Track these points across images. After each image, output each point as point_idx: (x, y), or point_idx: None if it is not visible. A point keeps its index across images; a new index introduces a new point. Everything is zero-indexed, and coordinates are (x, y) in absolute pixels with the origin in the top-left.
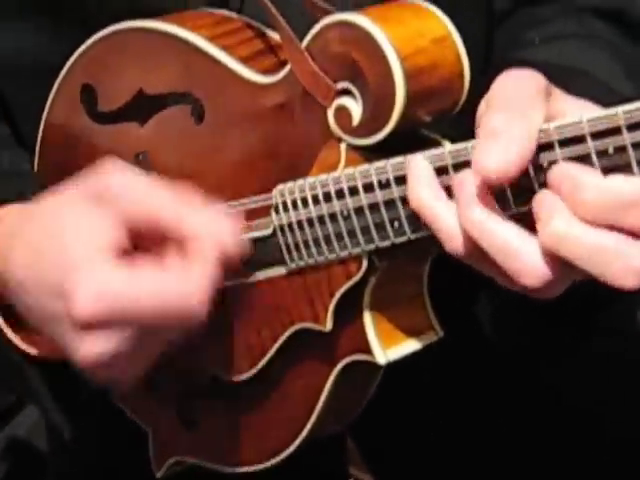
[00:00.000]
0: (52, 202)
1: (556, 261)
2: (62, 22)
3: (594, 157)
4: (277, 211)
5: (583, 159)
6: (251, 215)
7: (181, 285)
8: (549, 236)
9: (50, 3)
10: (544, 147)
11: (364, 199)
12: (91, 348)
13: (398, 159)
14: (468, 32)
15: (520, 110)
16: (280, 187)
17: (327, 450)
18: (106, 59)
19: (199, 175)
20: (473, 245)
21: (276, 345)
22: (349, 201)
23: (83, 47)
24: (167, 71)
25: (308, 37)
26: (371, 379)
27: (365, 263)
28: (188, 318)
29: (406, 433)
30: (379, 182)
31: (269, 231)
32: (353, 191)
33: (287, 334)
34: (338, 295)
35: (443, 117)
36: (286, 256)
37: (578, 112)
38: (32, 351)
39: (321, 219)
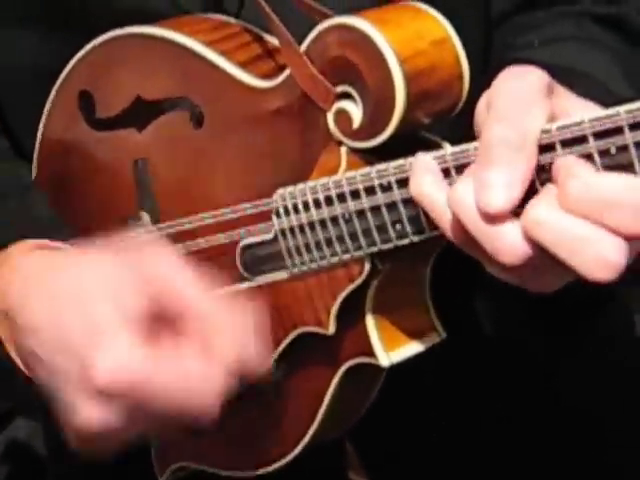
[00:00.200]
0: (81, 257)
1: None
2: (59, 29)
3: (596, 157)
4: (278, 215)
5: (585, 159)
6: (252, 219)
7: (199, 380)
8: (529, 220)
9: (47, 10)
10: (546, 148)
11: (366, 202)
12: (96, 415)
13: (399, 162)
14: (467, 34)
15: (521, 117)
16: (281, 191)
17: (326, 454)
18: (104, 65)
19: (198, 180)
20: (460, 226)
21: (279, 349)
22: (351, 204)
23: (80, 54)
24: (165, 77)
25: (307, 41)
26: (374, 382)
27: (367, 266)
28: (196, 414)
29: (405, 437)
30: (380, 185)
31: (270, 235)
32: (355, 194)
33: (290, 338)
34: (340, 298)
35: (443, 119)
36: (288, 260)
37: (581, 111)
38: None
39: (323, 222)
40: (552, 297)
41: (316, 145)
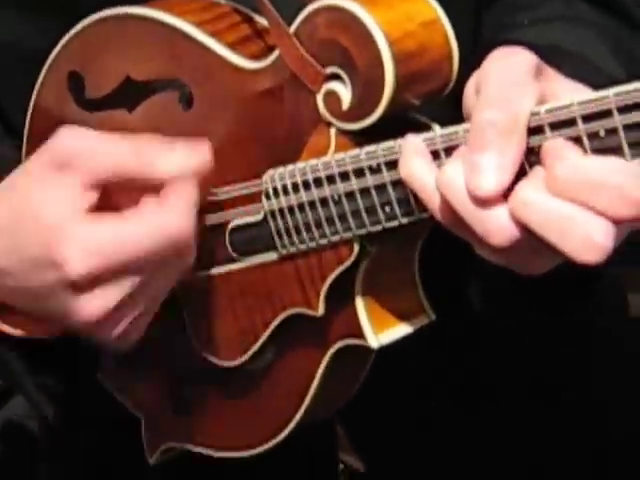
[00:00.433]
0: (17, 180)
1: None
2: (48, 9)
3: (585, 140)
4: (268, 196)
5: (574, 142)
6: (241, 201)
7: (161, 217)
8: (517, 202)
9: None
10: (535, 130)
11: (355, 184)
12: (92, 306)
13: (389, 143)
14: (456, 15)
15: (510, 100)
16: (270, 172)
17: (317, 436)
18: (93, 46)
19: None
20: (449, 208)
21: (268, 330)
22: (340, 186)
23: (70, 34)
24: (154, 57)
25: (296, 22)
26: (363, 363)
27: (356, 248)
28: (177, 247)
29: (395, 419)
30: (369, 167)
31: (260, 217)
32: (344, 176)
33: (279, 319)
34: (330, 280)
35: (433, 100)
36: (277, 241)
37: (570, 93)
38: (17, 332)
39: (312, 204)
40: (542, 278)
41: (305, 127)
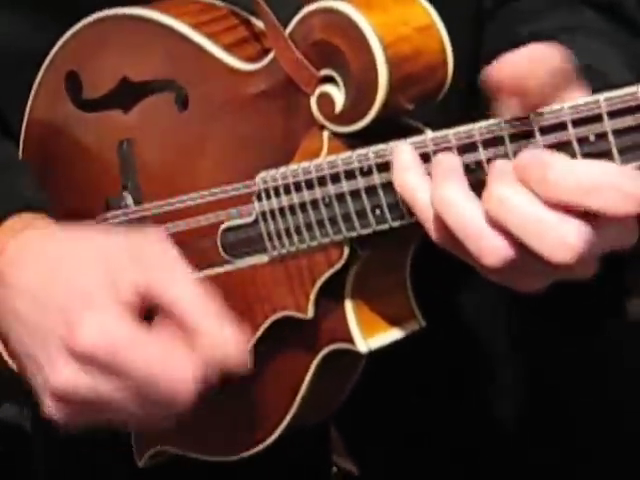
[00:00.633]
0: (79, 231)
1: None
2: (45, 9)
3: (575, 144)
4: (260, 198)
5: (564, 146)
6: (234, 202)
7: (178, 361)
8: (493, 202)
9: None
10: (526, 134)
11: (346, 186)
12: (69, 378)
13: (380, 146)
14: (456, 23)
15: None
16: (263, 174)
17: (311, 439)
18: (91, 46)
19: (181, 163)
20: (443, 225)
21: (258, 333)
22: (331, 188)
23: (67, 34)
24: (151, 58)
25: (292, 24)
26: (353, 368)
27: (346, 251)
28: (170, 396)
29: (388, 423)
30: (360, 169)
31: (251, 218)
32: (335, 178)
33: (269, 322)
34: (320, 283)
35: (426, 104)
36: (268, 244)
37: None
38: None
39: (303, 206)
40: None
41: (299, 129)
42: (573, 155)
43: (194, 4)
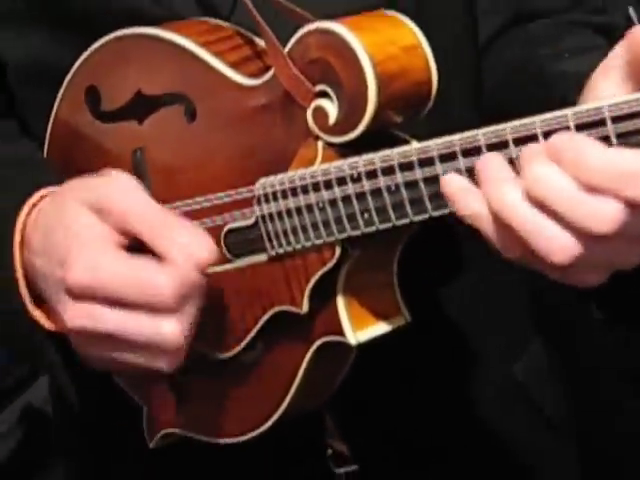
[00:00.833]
0: (64, 202)
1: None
2: (69, 29)
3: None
4: (259, 202)
5: None
6: (236, 205)
7: (154, 274)
8: (529, 182)
9: (57, 12)
10: (500, 145)
11: (337, 192)
12: (74, 314)
13: (369, 156)
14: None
15: None
16: (262, 180)
17: (306, 424)
18: (109, 63)
19: (189, 169)
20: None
21: (257, 326)
22: (324, 193)
23: (88, 52)
24: (164, 74)
25: (290, 43)
26: (344, 358)
27: (338, 251)
28: (153, 299)
29: (379, 407)
30: (351, 176)
31: (252, 221)
32: (328, 184)
33: (267, 316)
34: (313, 280)
35: (412, 118)
36: (267, 244)
37: None
38: (48, 324)
39: (299, 210)
40: None
41: (296, 139)
42: None
43: (203, 25)
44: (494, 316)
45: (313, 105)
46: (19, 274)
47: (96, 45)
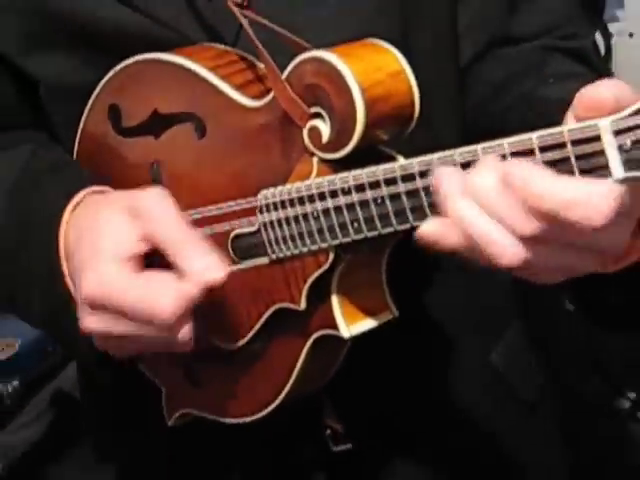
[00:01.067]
0: (103, 203)
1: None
2: (93, 52)
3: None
4: (262, 211)
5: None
6: (242, 214)
7: (158, 297)
8: (455, 211)
9: (84, 39)
10: (468, 165)
11: (330, 203)
12: (88, 322)
13: (358, 171)
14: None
15: None
16: (264, 192)
17: (304, 404)
18: (129, 84)
19: (200, 181)
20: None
21: (261, 320)
22: (318, 204)
23: (111, 72)
24: (177, 95)
25: (288, 69)
26: (339, 350)
27: (332, 255)
28: (154, 320)
29: (372, 389)
30: (342, 189)
31: (255, 227)
32: (321, 196)
33: (269, 312)
34: (310, 280)
35: (397, 137)
36: (268, 248)
37: None
38: None
39: (296, 218)
40: None
41: (293, 155)
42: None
43: (212, 50)
44: (473, 303)
45: (308, 125)
46: (63, 259)
47: (117, 68)
